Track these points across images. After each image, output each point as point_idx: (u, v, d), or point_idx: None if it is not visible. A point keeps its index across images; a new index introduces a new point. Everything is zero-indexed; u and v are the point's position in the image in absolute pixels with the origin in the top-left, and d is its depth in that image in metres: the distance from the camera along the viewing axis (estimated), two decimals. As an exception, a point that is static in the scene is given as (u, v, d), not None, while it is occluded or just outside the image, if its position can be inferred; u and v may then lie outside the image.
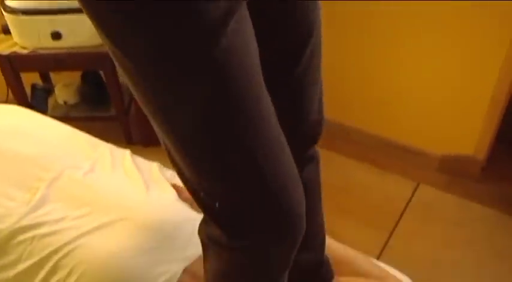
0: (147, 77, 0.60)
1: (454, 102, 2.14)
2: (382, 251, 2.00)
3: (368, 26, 2.12)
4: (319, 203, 1.03)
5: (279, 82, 0.76)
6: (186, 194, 1.43)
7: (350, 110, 2.39)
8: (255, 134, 0.64)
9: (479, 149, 2.23)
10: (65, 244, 1.13)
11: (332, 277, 1.08)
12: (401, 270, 1.44)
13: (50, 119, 1.64)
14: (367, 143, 2.41)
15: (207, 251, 0.78)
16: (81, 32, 1.96)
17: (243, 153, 0.64)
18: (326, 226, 1.25)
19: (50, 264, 1.11)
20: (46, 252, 1.12)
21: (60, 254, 1.11)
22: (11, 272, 1.14)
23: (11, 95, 2.20)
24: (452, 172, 2.34)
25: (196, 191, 0.70)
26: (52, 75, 2.52)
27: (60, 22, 1.94)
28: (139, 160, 1.48)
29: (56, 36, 1.95)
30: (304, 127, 0.89)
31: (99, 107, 2.35)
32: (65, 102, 2.36)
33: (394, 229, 2.10)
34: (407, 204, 2.23)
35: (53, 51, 2.00)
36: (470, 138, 2.22)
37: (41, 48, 2.01)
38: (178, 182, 1.41)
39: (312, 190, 0.98)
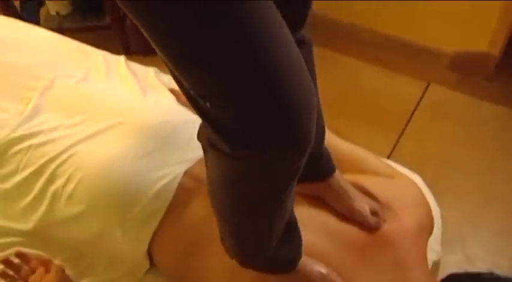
0: None
1: (468, -6, 2.02)
2: (391, 152, 1.97)
3: None
4: (315, 88, 0.96)
5: None
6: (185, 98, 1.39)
7: (356, 7, 2.26)
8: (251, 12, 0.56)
9: (494, 45, 2.12)
10: (61, 152, 1.09)
11: (332, 171, 1.04)
12: (411, 170, 1.41)
13: (39, 28, 1.56)
14: (376, 42, 2.30)
15: (208, 156, 0.73)
16: None
17: (241, 41, 0.56)
18: (335, 129, 1.20)
19: (47, 173, 1.08)
20: (42, 161, 1.09)
21: (57, 162, 1.08)
22: (9, 183, 1.12)
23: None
24: (463, 70, 2.25)
25: (190, 93, 0.63)
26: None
27: None
28: (135, 66, 1.42)
29: None
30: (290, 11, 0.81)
31: (93, 16, 2.24)
32: (57, 13, 2.26)
33: (404, 130, 2.06)
34: (418, 104, 2.17)
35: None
36: (485, 34, 2.11)
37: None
38: (176, 87, 1.37)
39: None
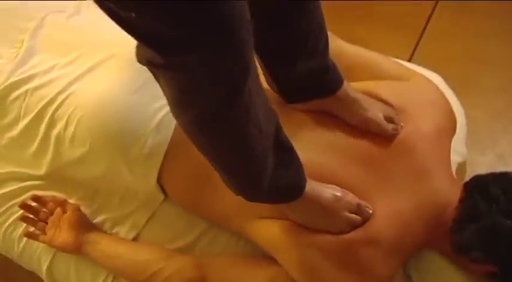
0: None
1: None
2: (412, 54, 1.87)
3: None
4: None
5: None
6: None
7: None
8: None
9: None
10: (58, 94, 1.06)
11: (340, 82, 0.97)
12: (435, 70, 1.33)
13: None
14: None
15: (155, 76, 0.68)
16: None
17: None
18: (353, 36, 1.11)
19: (47, 117, 1.05)
20: (41, 105, 1.06)
21: (54, 105, 1.05)
22: (15, 131, 1.10)
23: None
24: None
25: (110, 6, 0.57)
26: None
27: None
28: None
29: None
30: None
31: None
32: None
33: (424, 29, 1.94)
34: (437, 2, 2.03)
35: None
36: None
37: None
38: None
39: None
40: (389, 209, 0.91)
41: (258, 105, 0.71)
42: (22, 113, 1.08)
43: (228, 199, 0.92)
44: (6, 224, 1.13)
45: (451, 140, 1.04)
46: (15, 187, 1.13)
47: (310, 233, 0.90)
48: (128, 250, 1.03)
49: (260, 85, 0.73)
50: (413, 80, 1.08)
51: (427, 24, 1.94)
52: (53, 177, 1.12)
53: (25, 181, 1.13)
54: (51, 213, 1.10)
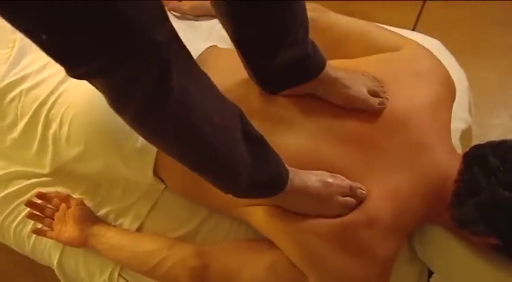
0: None
1: None
2: (418, 17, 1.81)
3: None
4: None
5: None
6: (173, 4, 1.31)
7: None
8: None
9: None
10: (50, 93, 1.06)
11: (322, 66, 0.93)
12: (440, 37, 1.29)
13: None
14: None
15: None
16: None
17: None
18: (353, 9, 1.08)
19: (42, 117, 1.06)
20: (35, 105, 1.07)
21: (48, 105, 1.06)
22: (15, 133, 1.11)
23: None
24: None
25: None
26: None
27: None
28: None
29: None
30: None
31: None
32: None
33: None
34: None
35: None
36: None
37: None
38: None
39: None
40: (385, 188, 0.89)
41: (201, 99, 0.70)
42: (19, 114, 1.09)
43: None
44: (15, 222, 1.15)
45: (450, 109, 1.01)
46: (20, 185, 1.15)
47: (307, 218, 0.89)
48: (131, 242, 1.04)
49: (204, 80, 0.73)
50: (405, 49, 1.04)
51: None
52: (56, 174, 1.13)
53: (29, 179, 1.15)
54: (57, 209, 1.11)
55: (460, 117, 1.13)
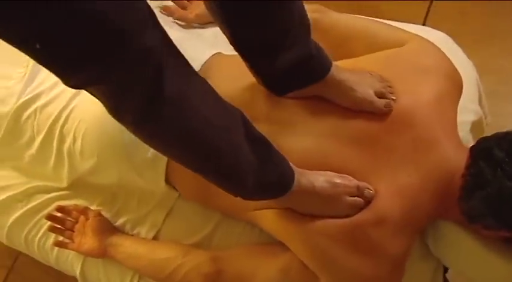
0: None
1: None
2: (426, 17, 1.78)
3: None
4: None
5: None
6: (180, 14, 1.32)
7: None
8: None
9: None
10: (62, 109, 1.10)
11: (327, 68, 0.93)
12: (452, 29, 1.28)
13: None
14: None
15: None
16: None
17: None
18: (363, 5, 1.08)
19: (57, 133, 1.09)
20: (49, 122, 1.10)
21: (61, 121, 1.09)
22: (33, 149, 1.14)
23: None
24: None
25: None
26: None
27: None
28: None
29: None
30: None
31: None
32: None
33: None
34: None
35: None
36: None
37: None
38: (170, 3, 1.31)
39: None
40: (393, 186, 0.90)
41: (200, 103, 0.72)
42: (35, 131, 1.13)
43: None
44: (38, 235, 1.19)
45: (456, 102, 1.00)
46: (41, 200, 1.19)
47: (316, 219, 0.90)
48: (147, 250, 1.07)
49: (202, 84, 0.74)
50: (409, 45, 1.03)
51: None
52: (74, 187, 1.17)
53: (49, 193, 1.19)
54: (76, 222, 1.15)
55: (469, 110, 1.12)
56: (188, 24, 1.32)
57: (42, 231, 1.18)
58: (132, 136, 1.02)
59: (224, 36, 0.95)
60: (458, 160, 0.90)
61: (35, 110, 1.12)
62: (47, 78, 1.16)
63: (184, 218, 1.10)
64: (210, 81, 0.77)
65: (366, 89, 0.94)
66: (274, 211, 0.94)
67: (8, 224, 1.20)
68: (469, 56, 1.25)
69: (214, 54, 1.13)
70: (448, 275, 1.03)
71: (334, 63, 0.96)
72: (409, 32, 1.08)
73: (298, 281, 0.93)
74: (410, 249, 0.92)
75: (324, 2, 1.12)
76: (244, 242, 1.06)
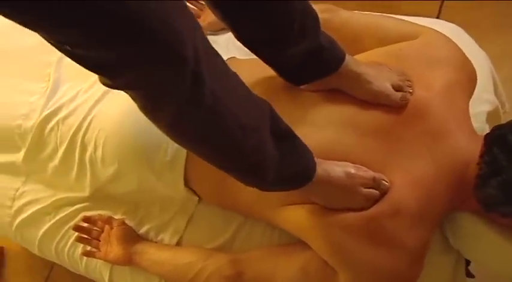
0: None
1: None
2: (440, 9, 1.76)
3: None
4: None
5: None
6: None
7: None
8: None
9: None
10: (83, 120, 1.13)
11: (340, 59, 0.95)
12: (466, 22, 1.26)
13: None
14: None
15: None
16: None
17: None
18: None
19: (78, 143, 1.13)
20: (71, 133, 1.14)
21: (82, 131, 1.12)
22: (56, 160, 1.18)
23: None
24: None
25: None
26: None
27: None
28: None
29: None
30: None
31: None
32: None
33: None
34: None
35: None
36: None
37: None
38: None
39: None
40: (408, 177, 0.90)
41: (231, 102, 0.73)
42: (58, 142, 1.16)
43: (248, 188, 0.93)
44: (67, 246, 1.22)
45: (468, 93, 1.00)
46: (68, 211, 1.22)
47: (331, 213, 0.91)
48: (170, 256, 1.09)
49: (234, 80, 0.76)
50: (421, 38, 1.03)
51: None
52: (97, 197, 1.19)
53: (75, 205, 1.22)
54: (102, 231, 1.18)
55: (483, 100, 1.11)
56: (202, 32, 1.34)
57: (70, 241, 1.21)
58: (150, 141, 1.05)
59: (235, 42, 0.98)
60: (472, 149, 0.90)
61: (57, 122, 1.16)
62: (67, 91, 1.20)
63: (205, 223, 1.12)
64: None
65: (382, 82, 0.95)
66: (289, 207, 0.95)
67: (39, 236, 1.24)
68: (485, 45, 1.24)
69: (228, 59, 1.15)
70: (470, 268, 1.02)
71: (353, 57, 0.97)
72: (421, 25, 1.08)
73: (318, 279, 0.94)
74: (429, 242, 0.92)
75: (338, 2, 1.13)
76: (265, 244, 1.07)
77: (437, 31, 1.06)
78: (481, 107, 1.08)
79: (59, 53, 0.74)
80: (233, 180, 0.94)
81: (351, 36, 1.11)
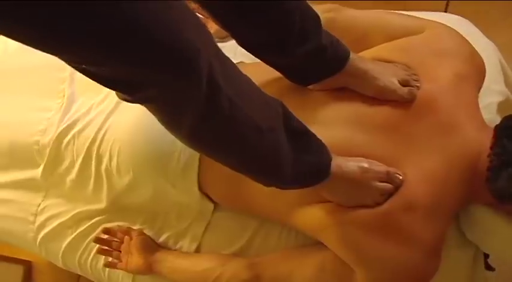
0: None
1: None
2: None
3: None
4: None
5: None
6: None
7: None
8: None
9: None
10: (97, 132, 1.15)
11: (345, 58, 0.96)
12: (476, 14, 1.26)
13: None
14: None
15: None
16: None
17: None
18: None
19: (94, 155, 1.15)
20: (87, 145, 1.16)
21: (97, 143, 1.14)
22: (74, 174, 1.20)
23: None
24: None
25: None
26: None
27: None
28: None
29: None
30: None
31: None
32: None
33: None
34: None
35: None
36: None
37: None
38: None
39: None
40: (421, 171, 0.90)
41: (246, 106, 0.74)
42: (75, 156, 1.19)
43: (262, 190, 0.94)
44: (90, 258, 1.24)
45: (476, 85, 1.00)
46: (88, 224, 1.24)
47: (346, 211, 0.92)
48: (189, 263, 1.10)
49: (247, 83, 0.78)
50: (427, 32, 1.03)
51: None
52: (116, 209, 1.21)
53: (94, 217, 1.24)
54: (122, 242, 1.20)
55: (493, 91, 1.10)
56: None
57: (92, 253, 1.24)
58: (162, 149, 1.07)
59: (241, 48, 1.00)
60: (482, 141, 0.90)
61: (73, 136, 1.18)
62: (81, 105, 1.23)
63: (222, 229, 1.13)
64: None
65: (389, 78, 0.95)
66: (307, 208, 0.96)
67: (62, 250, 1.26)
68: (495, 35, 1.23)
69: (236, 64, 1.16)
70: (490, 261, 1.01)
71: (357, 54, 0.98)
72: (427, 19, 1.08)
73: (335, 277, 0.95)
74: (444, 235, 0.92)
75: (345, 2, 1.13)
76: (282, 246, 1.08)
77: (444, 24, 1.06)
78: (491, 98, 1.07)
79: (70, 69, 0.79)
80: (247, 183, 0.95)
81: (357, 34, 1.11)
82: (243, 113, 0.74)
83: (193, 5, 1.37)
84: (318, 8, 0.97)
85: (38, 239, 1.28)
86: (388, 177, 0.90)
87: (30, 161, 1.24)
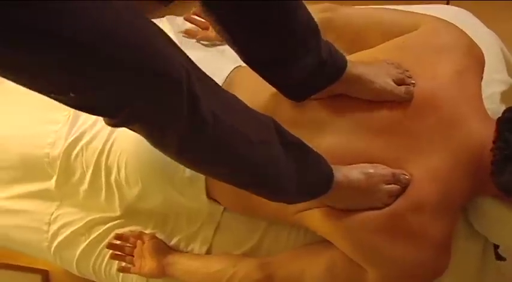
0: None
1: None
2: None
3: None
4: None
5: None
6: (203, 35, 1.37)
7: None
8: None
9: None
10: (104, 144, 1.16)
11: (342, 68, 0.94)
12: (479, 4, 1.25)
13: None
14: None
15: None
16: None
17: None
18: None
19: (103, 166, 1.16)
20: (95, 157, 1.17)
21: (105, 155, 1.16)
22: (85, 184, 1.22)
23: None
24: None
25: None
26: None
27: None
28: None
29: None
30: None
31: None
32: None
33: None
34: None
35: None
36: None
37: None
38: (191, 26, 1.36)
39: None
40: (426, 169, 0.90)
41: (234, 121, 0.75)
42: (85, 167, 1.20)
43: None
44: (104, 264, 1.26)
45: (478, 77, 0.99)
46: (100, 231, 1.26)
47: (354, 214, 0.92)
48: (201, 265, 1.12)
49: (232, 100, 0.78)
50: (424, 27, 1.03)
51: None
52: (127, 214, 1.23)
53: (107, 223, 1.26)
54: (135, 246, 1.21)
55: (495, 80, 1.10)
56: (211, 42, 1.37)
57: (106, 259, 1.25)
58: (168, 159, 1.08)
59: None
60: (487, 134, 0.89)
61: (82, 148, 1.20)
62: (88, 116, 1.24)
63: (232, 231, 1.15)
64: (234, 93, 0.81)
65: (383, 79, 0.94)
66: (315, 211, 0.97)
67: (76, 257, 1.28)
68: (498, 24, 1.22)
69: (235, 68, 1.17)
70: (500, 251, 1.01)
71: (349, 59, 0.97)
72: (423, 14, 1.07)
73: (346, 276, 0.95)
74: (453, 230, 0.92)
75: (326, 3, 1.13)
76: (292, 245, 1.09)
77: (440, 18, 1.05)
78: (493, 88, 1.07)
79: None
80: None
81: (354, 32, 1.11)
82: (228, 125, 0.74)
83: (195, 10, 1.40)
84: (314, 8, 0.96)
85: (53, 248, 1.30)
86: (394, 179, 0.90)
87: (42, 172, 1.26)
